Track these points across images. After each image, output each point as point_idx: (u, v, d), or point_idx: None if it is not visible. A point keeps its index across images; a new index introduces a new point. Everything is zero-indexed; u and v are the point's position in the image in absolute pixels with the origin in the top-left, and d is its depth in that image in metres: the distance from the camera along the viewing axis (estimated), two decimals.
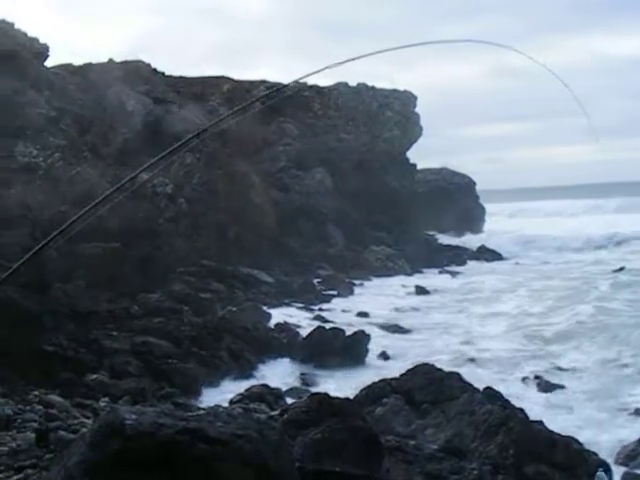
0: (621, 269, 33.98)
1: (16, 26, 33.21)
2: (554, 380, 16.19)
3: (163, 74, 39.20)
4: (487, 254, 42.31)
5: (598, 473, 8.38)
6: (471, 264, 39.75)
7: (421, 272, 36.15)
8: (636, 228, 50.24)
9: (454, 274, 35.63)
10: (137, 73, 36.42)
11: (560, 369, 17.51)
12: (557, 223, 59.86)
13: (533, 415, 10.80)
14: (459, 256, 41.50)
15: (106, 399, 13.89)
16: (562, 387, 15.77)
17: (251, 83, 42.29)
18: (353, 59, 7.56)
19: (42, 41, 33.45)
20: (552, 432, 10.15)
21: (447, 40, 8.50)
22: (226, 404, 14.01)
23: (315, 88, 43.73)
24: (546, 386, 15.77)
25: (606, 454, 11.49)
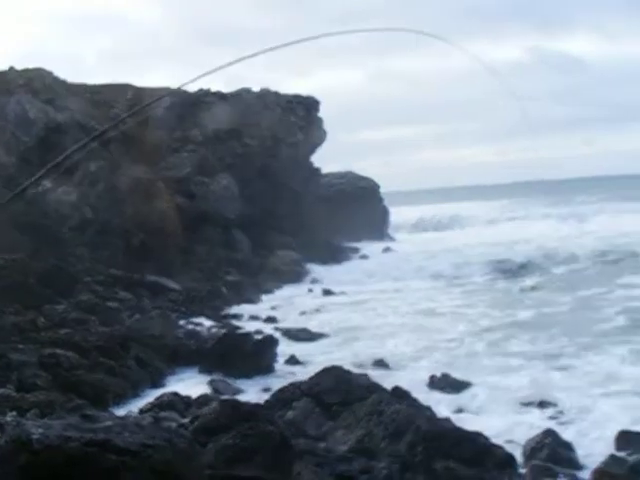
0: None
1: None
2: (462, 377, 16.38)
3: (65, 82, 38.66)
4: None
5: None
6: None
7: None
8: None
9: (356, 276, 35.74)
10: (38, 81, 35.95)
11: (468, 366, 17.77)
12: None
13: (441, 412, 10.98)
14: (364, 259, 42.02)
15: (13, 413, 13.65)
16: (469, 384, 15.98)
17: (154, 90, 41.91)
18: (243, 58, 7.50)
19: None
20: (459, 429, 10.34)
21: (367, 29, 8.44)
22: (137, 414, 13.89)
23: (218, 94, 43.57)
24: (453, 383, 15.94)
25: (513, 447, 11.75)
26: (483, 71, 7.95)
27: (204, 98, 41.89)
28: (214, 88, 43.09)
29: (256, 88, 45.57)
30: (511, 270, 34.32)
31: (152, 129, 34.40)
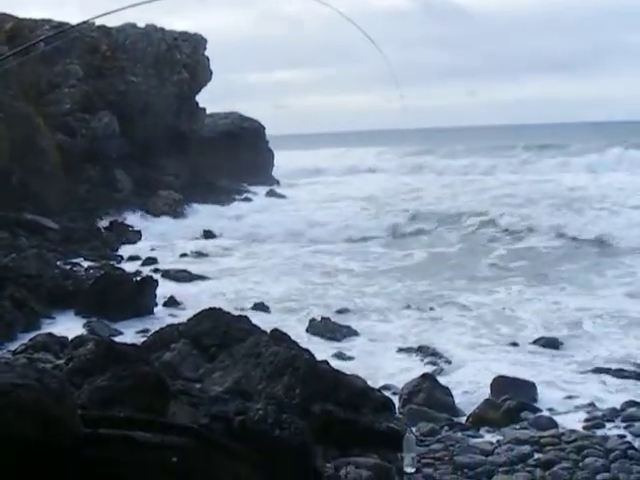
0: None
1: None
2: (342, 322, 16.51)
3: None
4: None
5: (407, 435, 8.59)
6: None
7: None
8: None
9: (239, 218, 35.47)
10: None
11: (347, 311, 17.93)
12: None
13: (320, 356, 11.00)
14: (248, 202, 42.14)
15: None
16: (349, 328, 16.11)
17: (35, 22, 40.66)
18: (139, 4, 7.32)
19: None
20: (337, 371, 10.39)
21: None
22: (10, 355, 13.60)
23: (103, 29, 42.47)
24: (334, 328, 16.03)
25: (391, 392, 11.91)
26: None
27: (87, 32, 40.81)
28: (98, 22, 42.01)
29: (141, 24, 44.57)
30: (399, 217, 33.96)
31: (32, 63, 33.43)
